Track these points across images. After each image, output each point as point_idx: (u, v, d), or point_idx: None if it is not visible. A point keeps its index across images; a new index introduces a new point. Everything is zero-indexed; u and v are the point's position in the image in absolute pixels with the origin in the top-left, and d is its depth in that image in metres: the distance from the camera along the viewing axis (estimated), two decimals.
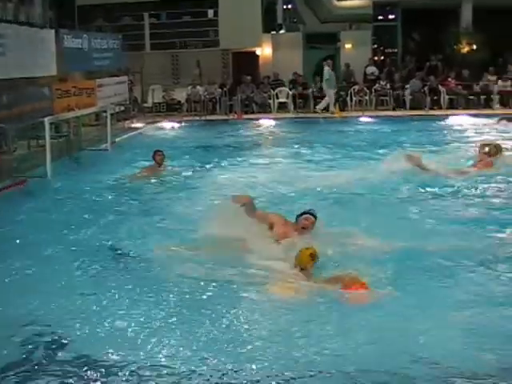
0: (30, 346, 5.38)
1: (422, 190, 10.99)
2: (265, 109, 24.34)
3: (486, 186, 11.13)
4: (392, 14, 28.05)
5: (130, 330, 5.64)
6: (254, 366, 5.00)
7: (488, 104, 23.65)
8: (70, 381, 4.85)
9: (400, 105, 24.14)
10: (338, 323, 5.74)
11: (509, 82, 23.87)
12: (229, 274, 6.82)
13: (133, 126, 21.12)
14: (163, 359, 5.16)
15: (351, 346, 5.30)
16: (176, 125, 21.81)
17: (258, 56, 27.12)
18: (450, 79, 24.17)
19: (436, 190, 11.07)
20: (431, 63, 25.61)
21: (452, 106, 23.81)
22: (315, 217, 7.80)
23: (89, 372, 4.94)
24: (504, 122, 19.56)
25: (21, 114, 14.76)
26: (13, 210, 10.13)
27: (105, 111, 17.55)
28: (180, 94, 24.53)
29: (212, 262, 7.18)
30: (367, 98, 24.30)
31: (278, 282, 6.56)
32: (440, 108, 23.64)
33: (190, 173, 13.23)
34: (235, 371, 4.95)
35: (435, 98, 23.77)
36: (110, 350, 5.24)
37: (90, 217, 9.65)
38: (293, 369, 4.96)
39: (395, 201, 10.38)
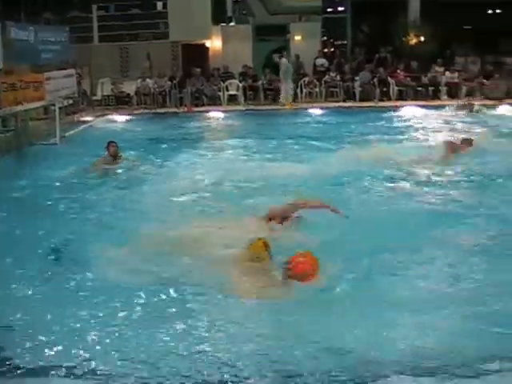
0: None
1: (378, 181, 11.05)
2: (215, 101, 24.25)
3: (448, 178, 11.30)
4: (341, 5, 28.27)
5: (73, 332, 5.55)
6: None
7: (436, 95, 23.97)
8: None
9: (350, 96, 24.31)
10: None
11: (456, 74, 24.25)
12: (178, 274, 6.74)
13: (82, 119, 20.87)
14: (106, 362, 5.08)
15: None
16: (126, 118, 21.62)
17: (207, 48, 27.04)
18: (398, 71, 24.42)
19: (394, 179, 11.21)
20: (380, 55, 25.83)
21: (401, 97, 24.08)
22: None
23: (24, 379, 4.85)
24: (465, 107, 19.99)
25: None
26: None
27: (53, 105, 17.29)
28: (129, 87, 24.30)
29: (162, 260, 7.10)
30: (317, 89, 24.42)
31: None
32: (389, 99, 23.88)
33: (143, 166, 13.09)
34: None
35: (384, 89, 24.01)
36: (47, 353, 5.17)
37: (39, 213, 9.50)
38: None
39: (347, 192, 10.39)
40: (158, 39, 26.21)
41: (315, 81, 24.49)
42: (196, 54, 26.25)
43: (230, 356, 5.05)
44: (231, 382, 4.74)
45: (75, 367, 4.95)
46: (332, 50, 28.11)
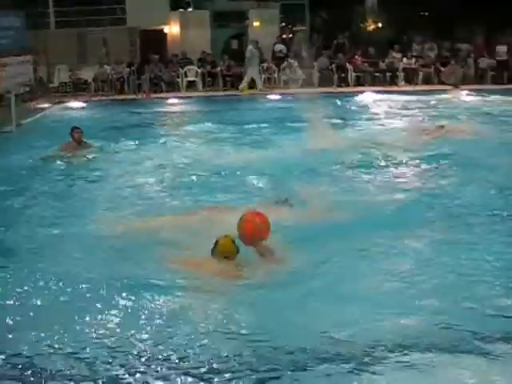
0: None
1: (344, 167, 11.14)
2: (173, 87, 24.16)
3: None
4: None
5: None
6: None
7: (393, 81, 24.16)
8: None
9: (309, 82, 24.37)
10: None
11: (413, 60, 24.47)
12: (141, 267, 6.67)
13: (39, 106, 20.61)
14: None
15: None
16: (83, 105, 21.40)
17: (165, 34, 26.85)
18: (356, 57, 24.56)
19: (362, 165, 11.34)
20: (338, 41, 25.94)
21: (359, 83, 24.23)
22: None
23: None
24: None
25: None
26: None
27: (9, 92, 17.05)
28: (87, 74, 24.03)
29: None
30: (276, 75, 24.44)
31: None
32: (347, 85, 24.01)
33: (104, 153, 13.02)
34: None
35: (342, 75, 24.13)
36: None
37: None
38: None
39: (310, 179, 10.36)
40: (115, 25, 25.94)
41: (274, 67, 24.51)
42: (154, 40, 26.03)
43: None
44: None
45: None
46: (290, 36, 28.11)
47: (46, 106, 20.83)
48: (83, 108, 21.04)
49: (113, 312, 5.61)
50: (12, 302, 5.83)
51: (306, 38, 25.74)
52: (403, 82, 23.97)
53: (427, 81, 24.11)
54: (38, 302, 5.81)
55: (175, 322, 5.44)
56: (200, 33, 26.40)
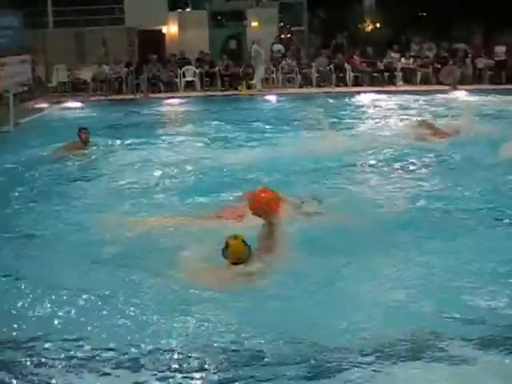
0: None
1: (335, 166, 11.15)
2: (172, 87, 24.16)
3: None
4: None
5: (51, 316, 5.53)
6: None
7: (391, 81, 24.18)
8: None
9: (307, 82, 24.39)
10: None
11: (411, 60, 24.49)
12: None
13: (37, 106, 20.61)
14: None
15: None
16: (82, 105, 21.39)
17: (164, 34, 26.85)
18: (355, 57, 24.56)
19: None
20: (337, 41, 25.95)
21: (357, 83, 24.24)
22: None
23: None
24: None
25: None
26: None
27: (7, 91, 17.03)
28: (85, 74, 24.04)
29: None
30: (274, 75, 24.45)
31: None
32: (345, 85, 24.03)
33: (106, 153, 13.02)
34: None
35: (341, 75, 24.15)
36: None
37: None
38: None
39: (314, 177, 10.40)
40: (113, 25, 25.91)
41: (272, 67, 24.52)
42: (152, 40, 26.05)
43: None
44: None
45: None
46: (289, 36, 28.12)
47: (44, 105, 20.83)
48: (81, 108, 21.04)
49: (112, 316, 5.60)
50: (11, 303, 5.84)
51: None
52: (401, 82, 23.98)
53: (425, 81, 24.13)
54: (40, 304, 5.79)
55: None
56: (198, 33, 26.41)
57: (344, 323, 5.32)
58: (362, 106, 19.75)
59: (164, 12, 26.04)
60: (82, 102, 21.71)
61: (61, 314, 5.62)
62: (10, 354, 5.01)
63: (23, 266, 6.73)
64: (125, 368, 4.81)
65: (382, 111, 18.43)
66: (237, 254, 6.11)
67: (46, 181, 10.76)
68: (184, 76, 24.19)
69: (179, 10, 27.57)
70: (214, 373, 4.72)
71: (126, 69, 24.07)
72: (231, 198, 8.96)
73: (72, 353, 4.98)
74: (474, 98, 20.05)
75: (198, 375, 4.70)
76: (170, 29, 26.74)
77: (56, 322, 5.48)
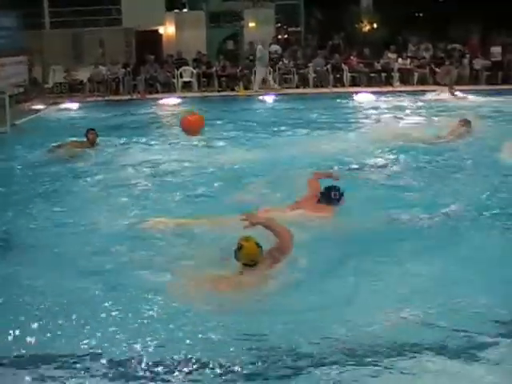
0: None
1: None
2: (169, 88, 24.14)
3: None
4: None
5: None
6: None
7: (389, 81, 24.18)
8: None
9: (304, 83, 24.39)
10: None
11: (408, 60, 24.51)
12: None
13: (33, 107, 20.55)
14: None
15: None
16: (79, 106, 21.36)
17: (161, 35, 26.84)
18: (352, 57, 24.57)
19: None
20: (334, 42, 25.96)
21: (354, 83, 24.25)
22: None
23: None
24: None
25: None
26: None
27: (3, 92, 17.01)
28: (82, 74, 24.01)
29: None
30: (271, 76, 24.44)
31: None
32: (343, 85, 24.04)
33: (105, 153, 13.01)
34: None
35: (338, 75, 24.16)
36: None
37: None
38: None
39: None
40: (110, 26, 25.89)
41: (269, 67, 24.50)
42: (149, 41, 26.04)
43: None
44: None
45: None
46: (286, 36, 28.14)
47: (40, 106, 20.77)
48: (78, 109, 21.00)
49: (115, 317, 5.59)
50: (12, 303, 5.84)
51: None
52: (398, 83, 23.98)
53: (422, 81, 24.15)
54: (43, 304, 5.78)
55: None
56: (195, 33, 26.39)
57: (354, 327, 5.33)
58: (360, 107, 19.75)
59: (161, 12, 26.02)
60: (78, 102, 21.67)
61: (68, 314, 5.60)
62: None
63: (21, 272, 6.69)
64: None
65: (380, 111, 18.42)
66: (250, 255, 6.07)
67: (43, 182, 10.69)
68: (181, 76, 24.18)
69: (176, 11, 27.56)
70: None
71: (123, 69, 24.04)
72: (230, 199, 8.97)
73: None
74: (471, 98, 20.05)
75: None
76: (167, 29, 26.73)
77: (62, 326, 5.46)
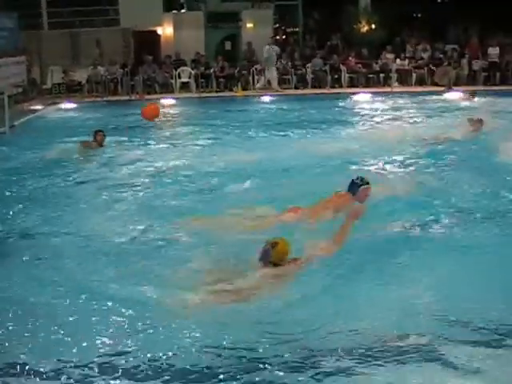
0: None
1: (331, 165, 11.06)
2: (167, 89, 24.13)
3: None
4: None
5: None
6: None
7: (387, 82, 24.19)
8: None
9: (302, 83, 24.39)
10: None
11: (406, 61, 24.53)
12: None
13: (32, 108, 20.53)
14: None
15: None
16: (77, 106, 21.33)
17: (159, 35, 26.81)
18: (350, 58, 24.58)
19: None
20: (332, 42, 25.96)
21: (352, 84, 24.26)
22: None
23: None
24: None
25: None
26: None
27: (1, 93, 16.99)
28: (80, 75, 23.97)
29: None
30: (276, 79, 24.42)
31: None
32: (341, 86, 24.06)
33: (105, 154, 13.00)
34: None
35: (336, 76, 24.18)
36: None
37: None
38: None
39: (311, 177, 10.32)
40: (108, 26, 25.86)
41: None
42: (148, 41, 26.01)
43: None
44: None
45: None
46: (284, 37, 28.13)
47: (38, 107, 20.76)
48: (76, 109, 20.97)
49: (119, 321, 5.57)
50: (12, 305, 5.82)
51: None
52: (396, 83, 23.99)
53: (421, 82, 24.18)
54: (46, 305, 5.80)
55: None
56: (193, 34, 26.34)
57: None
58: (360, 107, 19.76)
59: (159, 13, 26.01)
60: (76, 103, 21.65)
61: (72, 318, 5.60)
62: None
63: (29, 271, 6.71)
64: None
65: (380, 112, 18.43)
66: (282, 255, 6.09)
67: (45, 182, 10.70)
68: (179, 77, 24.17)
69: (174, 11, 27.50)
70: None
71: (121, 70, 24.01)
72: (230, 200, 8.96)
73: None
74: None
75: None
76: (166, 30, 26.69)
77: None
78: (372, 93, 22.31)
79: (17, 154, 12.89)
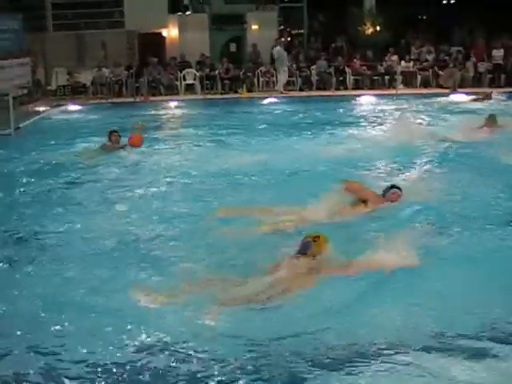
0: None
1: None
2: (172, 90, 24.15)
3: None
4: None
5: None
6: None
7: (391, 84, 24.17)
8: None
9: (307, 85, 24.38)
10: None
11: (411, 63, 24.51)
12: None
13: (37, 109, 20.54)
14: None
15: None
16: (82, 108, 21.35)
17: (164, 37, 26.83)
18: (355, 60, 24.57)
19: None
20: (336, 44, 25.95)
21: (357, 86, 24.25)
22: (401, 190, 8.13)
23: None
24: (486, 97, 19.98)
25: None
26: None
27: (6, 94, 17.00)
28: (85, 77, 23.99)
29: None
30: (274, 78, 24.43)
31: None
32: (346, 88, 24.05)
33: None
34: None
35: (341, 78, 24.17)
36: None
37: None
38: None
39: (315, 179, 10.29)
40: (113, 28, 25.89)
41: (272, 70, 24.51)
42: (153, 43, 26.03)
43: None
44: None
45: None
46: (289, 39, 28.13)
47: (43, 108, 20.77)
48: (81, 111, 20.99)
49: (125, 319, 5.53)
50: (14, 305, 5.82)
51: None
52: (401, 85, 23.97)
53: (425, 84, 24.17)
54: (48, 305, 5.77)
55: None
56: (198, 36, 26.36)
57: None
58: (365, 109, 19.74)
59: (164, 15, 26.05)
60: (81, 105, 21.67)
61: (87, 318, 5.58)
62: None
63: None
64: None
65: (385, 114, 18.40)
66: (322, 249, 6.21)
67: (50, 184, 10.67)
68: (184, 79, 24.19)
69: (179, 13, 27.52)
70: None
71: (126, 72, 24.04)
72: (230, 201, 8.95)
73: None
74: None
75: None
76: (171, 32, 26.71)
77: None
78: (377, 95, 22.32)
79: (22, 156, 12.89)
